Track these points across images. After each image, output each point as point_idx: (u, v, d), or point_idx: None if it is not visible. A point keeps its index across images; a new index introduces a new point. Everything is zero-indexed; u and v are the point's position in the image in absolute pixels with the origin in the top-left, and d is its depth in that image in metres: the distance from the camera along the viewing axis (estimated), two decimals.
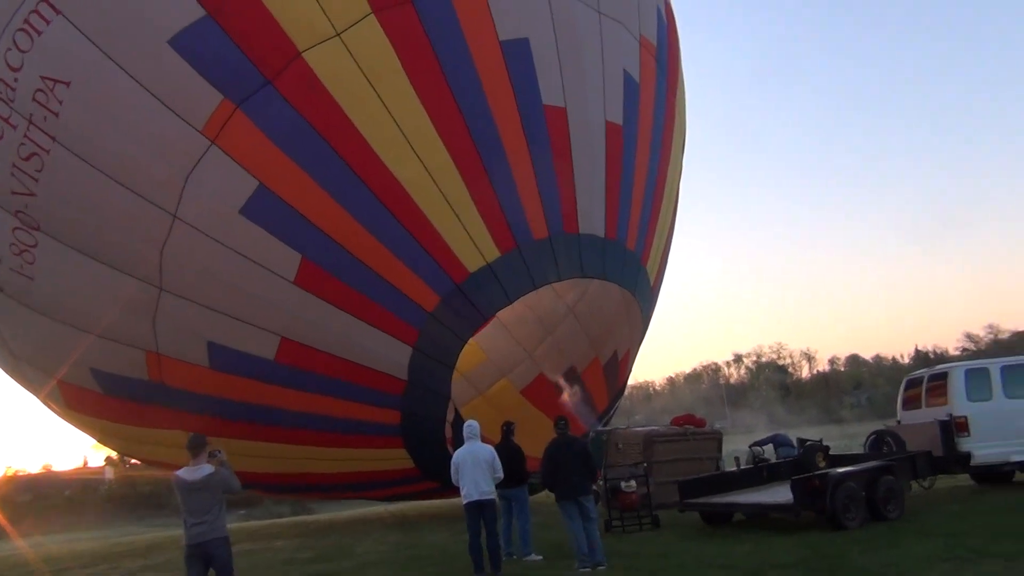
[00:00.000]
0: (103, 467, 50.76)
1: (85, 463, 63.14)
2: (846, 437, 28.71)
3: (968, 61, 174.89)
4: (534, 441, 11.33)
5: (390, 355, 11.91)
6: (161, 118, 10.76)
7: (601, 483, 12.27)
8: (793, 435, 16.54)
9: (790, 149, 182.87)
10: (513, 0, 12.21)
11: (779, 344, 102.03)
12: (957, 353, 74.30)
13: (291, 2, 10.87)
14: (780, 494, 10.87)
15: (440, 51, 11.54)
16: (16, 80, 11.02)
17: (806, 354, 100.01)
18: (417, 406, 12.29)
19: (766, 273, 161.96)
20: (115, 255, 11.54)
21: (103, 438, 15.96)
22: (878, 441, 13.59)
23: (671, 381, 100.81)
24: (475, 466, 9.01)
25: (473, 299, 12.06)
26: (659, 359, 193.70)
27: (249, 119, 10.87)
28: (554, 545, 10.29)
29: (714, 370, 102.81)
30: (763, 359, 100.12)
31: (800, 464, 12.23)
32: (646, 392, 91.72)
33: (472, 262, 11.99)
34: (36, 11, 10.77)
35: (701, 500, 11.62)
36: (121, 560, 14.30)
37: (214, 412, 12.46)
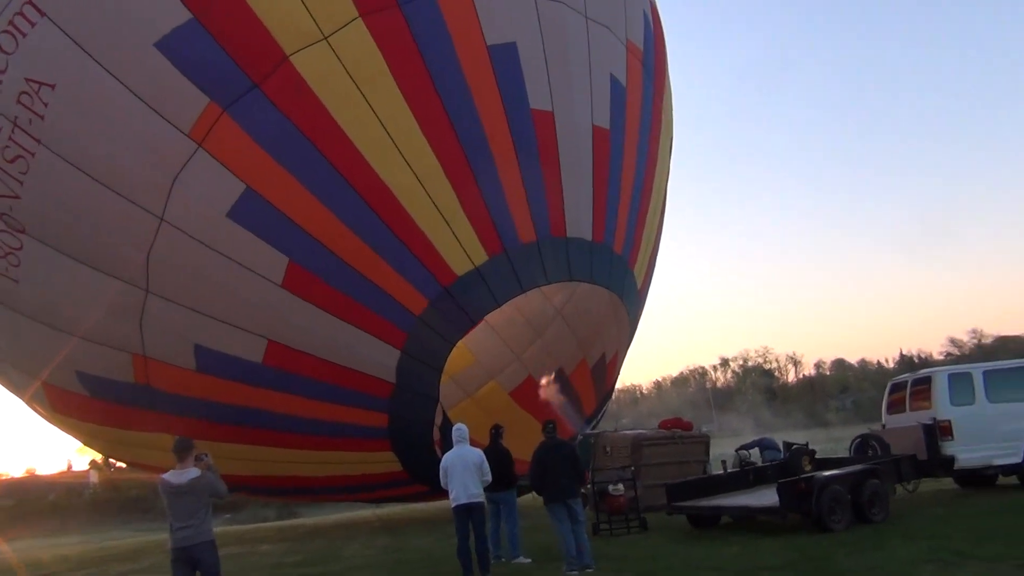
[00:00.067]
0: (87, 471, 50.39)
1: (69, 467, 62.81)
2: (832, 441, 28.82)
3: (955, 69, 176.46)
4: (522, 444, 11.34)
5: (378, 358, 11.89)
6: (148, 121, 10.72)
7: (589, 486, 12.30)
8: (779, 439, 16.61)
9: (777, 154, 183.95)
10: (500, 4, 12.24)
11: (765, 348, 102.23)
12: (941, 357, 74.94)
13: (278, 5, 10.85)
14: (767, 497, 10.92)
15: (427, 55, 11.55)
16: (0, 82, 10.96)
17: (792, 358, 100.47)
18: (405, 409, 12.28)
19: (752, 278, 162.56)
20: (101, 258, 11.48)
21: (89, 441, 15.86)
22: (863, 445, 13.67)
23: (658, 385, 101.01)
24: (464, 469, 9.01)
25: (461, 302, 12.06)
26: (646, 363, 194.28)
27: (236, 122, 10.84)
28: (542, 548, 10.29)
29: (701, 374, 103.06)
30: (749, 363, 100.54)
31: (786, 467, 12.29)
32: (633, 396, 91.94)
33: (460, 266, 11.99)
34: (21, 13, 10.71)
35: (689, 503, 11.66)
36: (107, 564, 14.20)
37: (201, 415, 12.40)
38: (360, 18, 11.09)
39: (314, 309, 11.52)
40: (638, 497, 12.12)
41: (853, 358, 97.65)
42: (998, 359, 15.81)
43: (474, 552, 8.92)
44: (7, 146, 11.11)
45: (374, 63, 11.23)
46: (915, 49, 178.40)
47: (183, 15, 10.58)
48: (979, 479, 13.68)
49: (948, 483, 14.33)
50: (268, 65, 10.84)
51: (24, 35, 10.73)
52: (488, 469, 9.17)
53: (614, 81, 13.71)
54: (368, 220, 11.42)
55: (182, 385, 12.23)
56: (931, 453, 12.60)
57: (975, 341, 76.07)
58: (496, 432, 10.74)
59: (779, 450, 15.40)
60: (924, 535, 9.36)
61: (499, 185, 12.21)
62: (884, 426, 14.43)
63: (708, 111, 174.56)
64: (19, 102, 10.86)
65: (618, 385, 18.44)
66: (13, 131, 11.01)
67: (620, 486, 12.01)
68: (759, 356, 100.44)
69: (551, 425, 9.59)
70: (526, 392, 17.45)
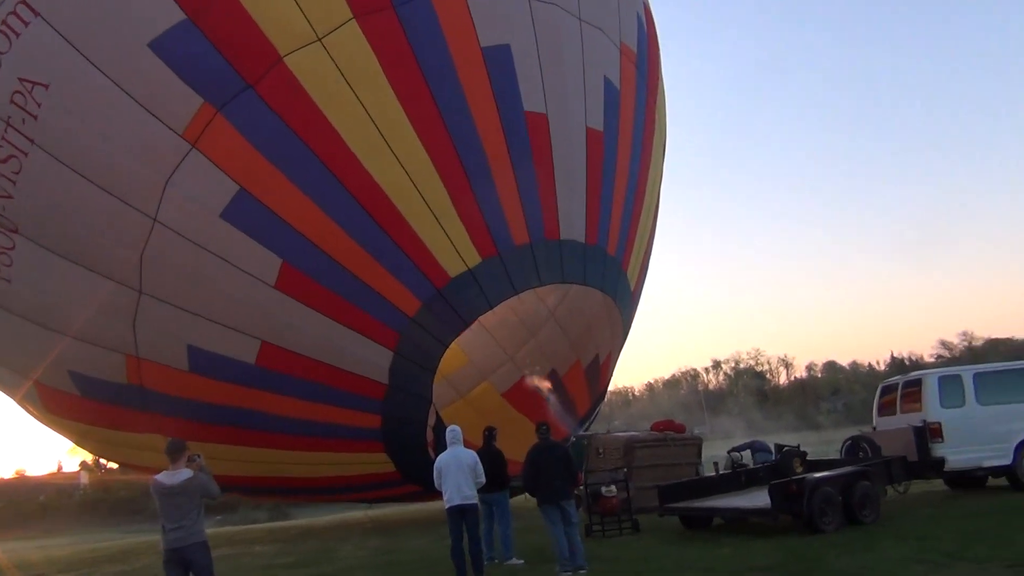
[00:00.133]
0: (78, 472, 50.25)
1: (59, 468, 62.56)
2: (823, 443, 29.01)
3: (948, 73, 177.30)
4: (515, 445, 11.36)
5: (371, 359, 11.90)
6: (141, 121, 10.71)
7: (582, 488, 12.33)
8: (771, 441, 16.69)
9: (770, 157, 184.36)
10: (495, 7, 12.26)
11: (757, 350, 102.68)
12: (932, 360, 75.34)
13: (272, 6, 10.85)
14: (758, 499, 10.96)
15: (421, 57, 11.56)
16: None
17: (784, 360, 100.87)
18: (398, 410, 12.29)
19: (744, 280, 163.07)
20: (94, 258, 11.46)
21: (81, 441, 15.80)
22: (854, 447, 13.72)
23: (650, 387, 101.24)
24: (458, 471, 9.01)
25: (454, 304, 12.08)
26: (638, 365, 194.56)
27: (230, 123, 10.84)
28: (536, 549, 10.31)
29: (693, 376, 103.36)
30: (741, 365, 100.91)
31: (778, 469, 12.35)
32: (625, 398, 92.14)
33: (453, 267, 12.01)
34: (14, 12, 10.68)
35: (681, 504, 11.70)
36: (99, 565, 14.17)
37: (193, 416, 12.38)
38: (354, 19, 11.10)
39: (307, 310, 11.52)
40: (631, 498, 12.15)
41: (844, 360, 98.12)
42: (988, 362, 15.92)
43: (468, 553, 8.93)
44: (0, 145, 11.08)
45: (368, 64, 11.23)
46: (904, 53, 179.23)
47: (177, 15, 10.57)
48: (969, 481, 13.74)
49: (938, 485, 14.40)
50: (262, 66, 10.84)
51: (18, 35, 10.70)
52: (482, 471, 9.17)
53: (608, 83, 13.76)
54: (362, 222, 11.43)
55: (175, 386, 12.20)
56: (921, 455, 12.67)
57: (966, 344, 76.74)
58: (489, 434, 10.78)
59: (771, 452, 15.48)
60: (914, 536, 9.42)
61: (493, 187, 12.24)
62: (875, 428, 14.51)
63: (701, 113, 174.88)
64: (12, 102, 10.83)
65: (610, 387, 18.46)
66: (6, 131, 10.98)
67: (613, 488, 12.04)
68: (751, 358, 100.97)
69: (544, 426, 9.61)
70: (519, 393, 17.45)
